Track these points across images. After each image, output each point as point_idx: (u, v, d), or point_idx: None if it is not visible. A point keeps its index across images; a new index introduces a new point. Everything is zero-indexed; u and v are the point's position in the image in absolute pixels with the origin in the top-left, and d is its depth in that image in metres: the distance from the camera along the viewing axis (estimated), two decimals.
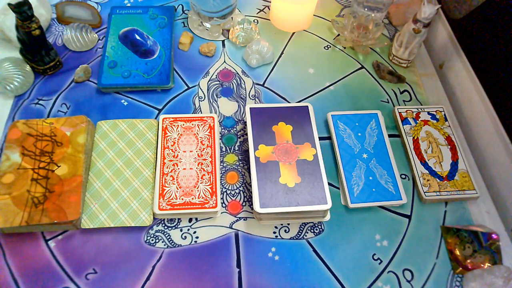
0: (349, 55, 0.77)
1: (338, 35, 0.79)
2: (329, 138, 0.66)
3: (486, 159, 0.69)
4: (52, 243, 0.54)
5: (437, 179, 0.62)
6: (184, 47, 0.74)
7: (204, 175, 0.57)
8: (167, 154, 0.59)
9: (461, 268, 0.56)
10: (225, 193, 0.60)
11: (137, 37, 0.72)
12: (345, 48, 0.78)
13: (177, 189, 0.56)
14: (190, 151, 0.59)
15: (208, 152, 0.59)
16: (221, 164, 0.62)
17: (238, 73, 0.73)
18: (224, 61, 0.74)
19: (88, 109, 0.66)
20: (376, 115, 0.67)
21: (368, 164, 0.61)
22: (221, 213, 0.58)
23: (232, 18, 0.78)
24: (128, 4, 0.81)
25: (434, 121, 0.68)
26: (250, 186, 0.58)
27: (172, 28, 0.75)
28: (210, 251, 0.55)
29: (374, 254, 0.57)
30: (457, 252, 0.57)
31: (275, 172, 0.56)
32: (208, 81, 0.71)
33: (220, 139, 0.65)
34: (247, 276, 0.54)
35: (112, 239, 0.55)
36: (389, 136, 0.66)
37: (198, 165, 0.58)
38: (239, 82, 0.71)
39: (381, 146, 0.63)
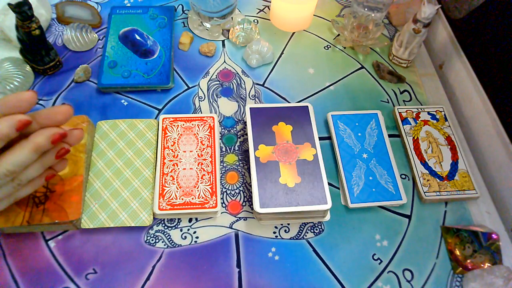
0: (349, 55, 0.77)
1: (338, 35, 0.80)
2: (329, 138, 0.66)
3: (486, 159, 0.69)
4: (52, 243, 0.55)
5: (437, 179, 0.62)
6: (184, 47, 0.74)
7: (204, 175, 0.57)
8: (167, 154, 0.59)
9: (461, 268, 0.56)
10: (225, 193, 0.60)
11: (137, 37, 0.72)
12: (345, 48, 0.78)
13: (177, 189, 0.56)
14: (190, 151, 0.59)
15: (208, 152, 0.59)
16: (221, 164, 0.62)
17: (238, 73, 0.73)
18: (224, 61, 0.74)
19: (88, 109, 0.66)
20: (376, 115, 0.67)
21: (368, 164, 0.61)
22: (221, 213, 0.58)
23: (232, 18, 0.78)
24: (128, 4, 0.81)
25: (434, 121, 0.68)
26: (250, 186, 0.58)
27: (172, 28, 0.75)
28: (210, 251, 0.55)
29: (374, 254, 0.57)
30: (457, 252, 0.57)
31: (275, 172, 0.56)
32: (208, 81, 0.71)
33: (220, 139, 0.65)
34: (247, 276, 0.54)
35: (112, 239, 0.55)
36: (389, 136, 0.66)
37: (198, 165, 0.58)
38: (239, 82, 0.71)
39: (381, 146, 0.63)
